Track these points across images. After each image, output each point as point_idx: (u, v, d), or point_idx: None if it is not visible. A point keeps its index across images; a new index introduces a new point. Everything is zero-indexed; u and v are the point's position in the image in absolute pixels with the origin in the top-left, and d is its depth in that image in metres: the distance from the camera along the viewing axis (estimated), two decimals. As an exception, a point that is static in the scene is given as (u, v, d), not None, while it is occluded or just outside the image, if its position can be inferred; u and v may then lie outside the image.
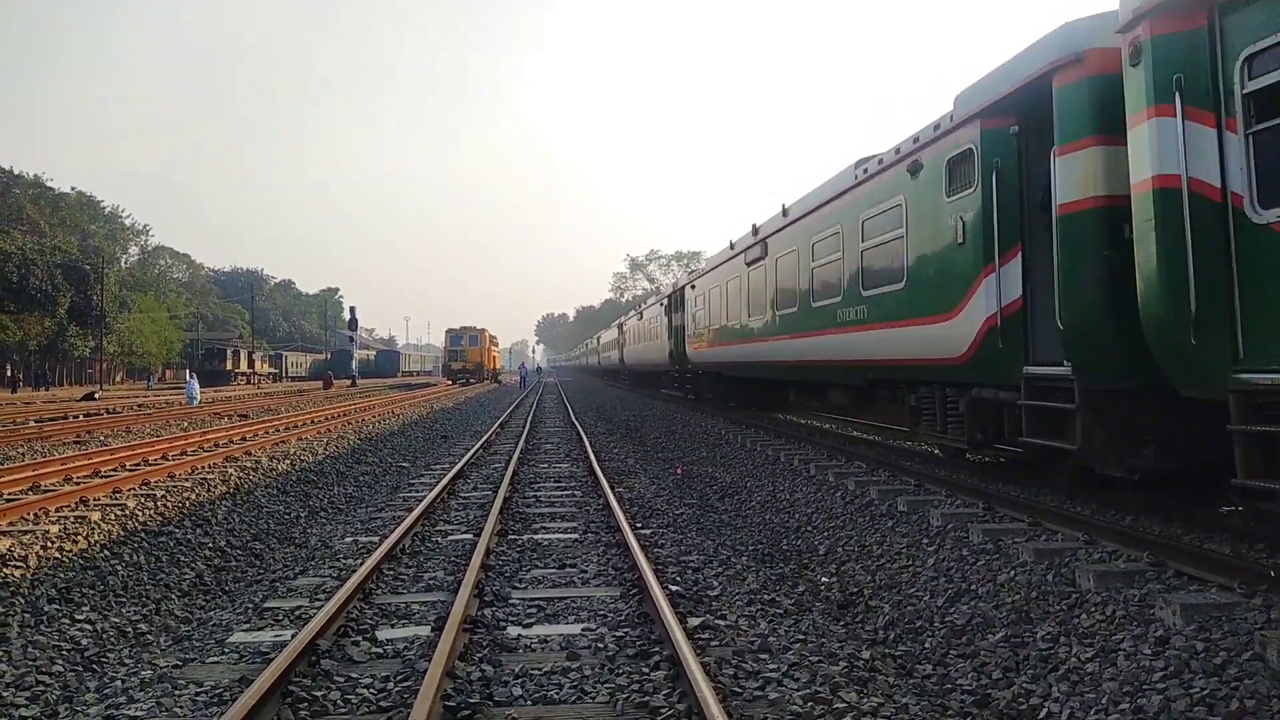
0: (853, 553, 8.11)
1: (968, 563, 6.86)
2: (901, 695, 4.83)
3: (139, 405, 34.24)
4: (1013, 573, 6.35)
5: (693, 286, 25.83)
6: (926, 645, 5.79)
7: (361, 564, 7.52)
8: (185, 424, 23.51)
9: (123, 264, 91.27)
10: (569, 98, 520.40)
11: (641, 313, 41.37)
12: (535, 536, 9.03)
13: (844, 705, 4.52)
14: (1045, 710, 4.55)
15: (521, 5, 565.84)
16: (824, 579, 7.64)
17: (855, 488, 10.14)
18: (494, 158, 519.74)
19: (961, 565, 6.86)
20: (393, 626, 6.07)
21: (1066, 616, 5.46)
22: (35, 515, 8.98)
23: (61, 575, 7.22)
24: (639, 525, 9.56)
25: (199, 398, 36.07)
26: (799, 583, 7.60)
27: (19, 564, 7.23)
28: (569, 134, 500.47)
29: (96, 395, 42.64)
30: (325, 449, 16.60)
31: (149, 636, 6.36)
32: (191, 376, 41.00)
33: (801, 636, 5.74)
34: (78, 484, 11.10)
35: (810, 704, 4.51)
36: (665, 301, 32.65)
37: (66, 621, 6.38)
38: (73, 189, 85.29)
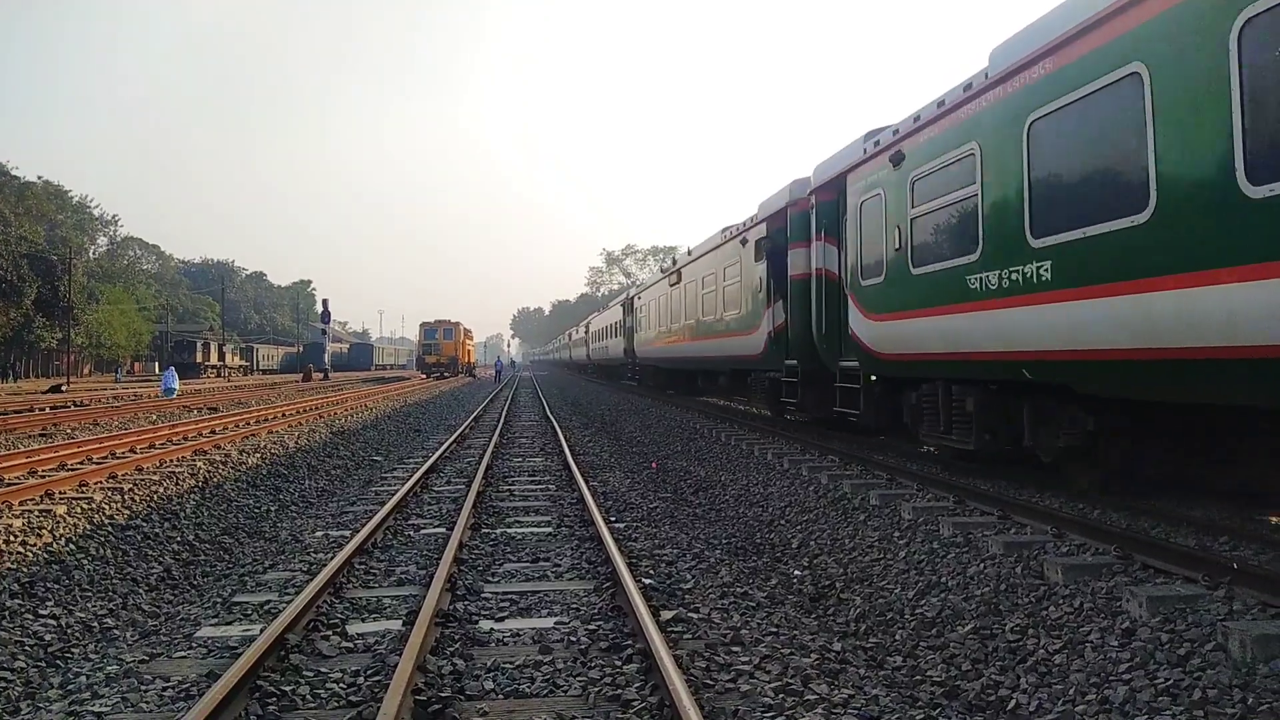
0: (825, 546, 8.15)
1: (938, 555, 6.92)
2: (872, 687, 4.86)
3: (115, 397, 33.74)
4: (982, 565, 6.42)
5: (895, 161, 10.33)
6: (897, 637, 5.83)
7: (332, 558, 7.45)
8: (154, 417, 23.20)
9: (91, 255, 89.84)
10: (545, 90, 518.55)
11: (679, 271, 24.48)
12: (509, 530, 9.00)
13: (815, 697, 4.54)
14: (1014, 701, 4.59)
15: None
16: (796, 572, 7.67)
17: (828, 481, 10.19)
18: (470, 151, 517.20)
19: (932, 558, 6.91)
20: (364, 621, 6.02)
21: (1035, 609, 5.52)
22: (-2, 509, 8.82)
23: (24, 570, 7.10)
24: (613, 519, 9.55)
25: (177, 388, 35.33)
26: (772, 576, 7.63)
27: (-19, 558, 7.09)
28: (546, 127, 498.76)
29: (63, 388, 41.99)
30: (296, 442, 16.44)
31: (115, 631, 6.27)
32: (170, 368, 40.26)
33: (774, 629, 5.76)
34: (42, 477, 10.92)
35: (781, 696, 4.53)
36: (759, 232, 16.36)
37: (29, 617, 6.27)
38: (39, 178, 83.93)
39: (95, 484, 10.63)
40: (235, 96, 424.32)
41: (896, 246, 10.45)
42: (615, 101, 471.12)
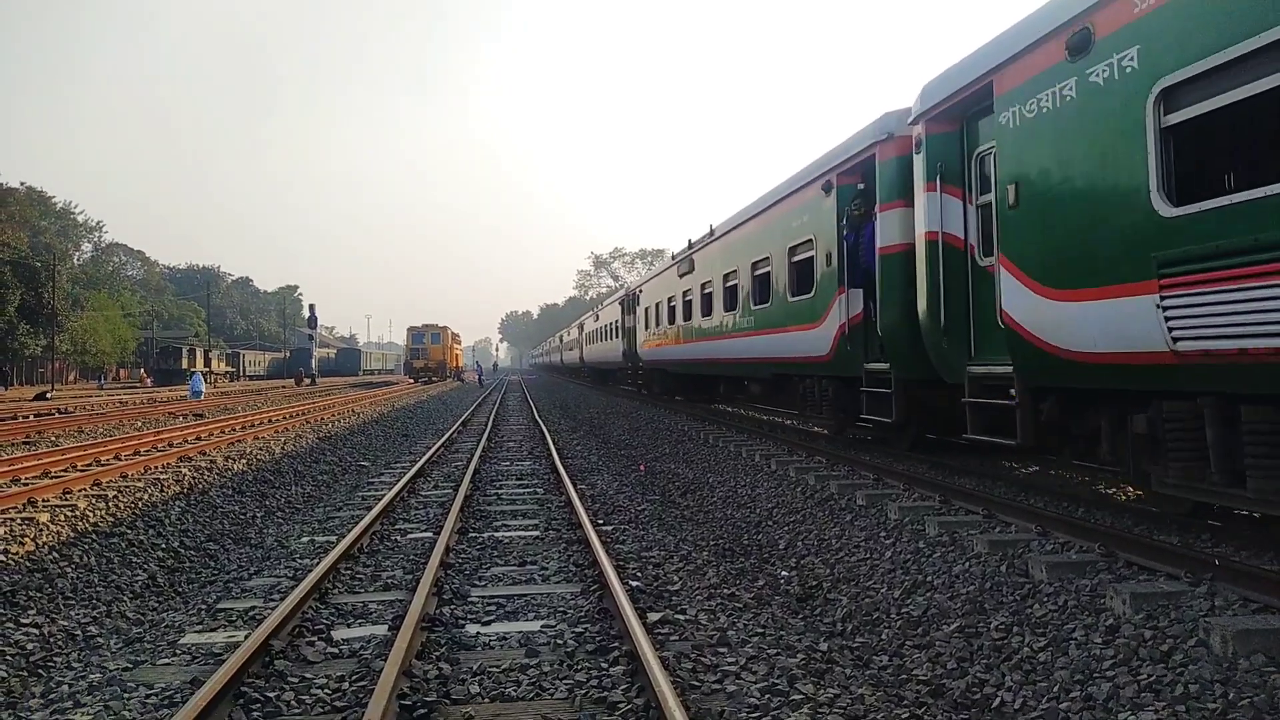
0: (812, 546, 8.16)
1: (924, 555, 6.94)
2: (858, 686, 4.87)
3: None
4: (968, 564, 6.44)
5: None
6: (883, 637, 5.85)
7: (318, 564, 7.42)
8: (139, 424, 23.05)
9: (75, 261, 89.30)
10: (530, 96, 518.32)
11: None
12: (496, 534, 8.98)
13: (801, 697, 4.54)
14: (999, 699, 4.61)
15: None
16: (783, 573, 7.68)
17: (815, 482, 10.21)
18: (456, 155, 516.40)
19: (918, 557, 6.93)
20: (349, 626, 6.00)
21: (1020, 607, 5.54)
22: (-20, 517, 8.74)
23: (6, 578, 7.03)
24: (600, 521, 9.54)
25: (204, 390, 39.74)
26: (759, 577, 7.64)
27: (-38, 567, 7.03)
28: (533, 132, 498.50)
29: (48, 395, 41.68)
30: (283, 448, 16.36)
31: (99, 639, 6.22)
32: (196, 373, 44.41)
33: (760, 630, 5.77)
34: (26, 485, 10.83)
35: (768, 696, 4.53)
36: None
37: (11, 625, 6.21)
38: (22, 184, 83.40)
39: (79, 491, 10.55)
40: (220, 102, 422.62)
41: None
42: (604, 104, 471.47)
